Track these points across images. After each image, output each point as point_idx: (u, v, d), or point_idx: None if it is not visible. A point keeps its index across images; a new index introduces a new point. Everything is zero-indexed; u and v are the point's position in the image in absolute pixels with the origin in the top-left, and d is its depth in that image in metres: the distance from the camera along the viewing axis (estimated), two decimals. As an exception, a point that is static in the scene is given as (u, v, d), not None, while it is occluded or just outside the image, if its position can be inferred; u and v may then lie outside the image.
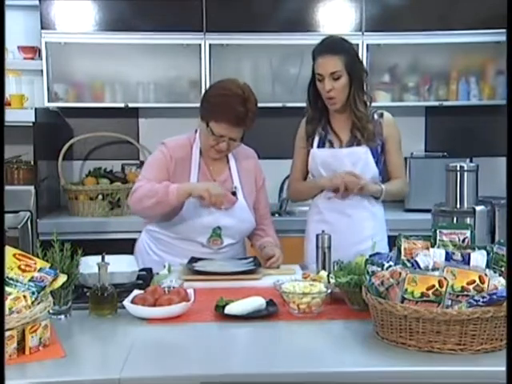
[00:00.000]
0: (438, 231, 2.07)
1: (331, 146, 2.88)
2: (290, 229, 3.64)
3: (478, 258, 1.91)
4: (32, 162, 4.00)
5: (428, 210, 3.23)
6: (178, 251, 2.75)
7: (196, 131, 2.80)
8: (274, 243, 2.81)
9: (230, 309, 2.04)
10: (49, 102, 4.15)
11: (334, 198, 2.84)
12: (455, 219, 3.00)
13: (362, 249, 2.60)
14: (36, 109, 3.95)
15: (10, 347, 1.69)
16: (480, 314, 1.70)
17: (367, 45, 4.14)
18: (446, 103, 4.31)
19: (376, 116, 2.88)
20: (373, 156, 2.85)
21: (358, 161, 2.83)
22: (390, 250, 2.46)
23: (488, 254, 1.93)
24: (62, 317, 2.06)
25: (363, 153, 2.83)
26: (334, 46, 2.79)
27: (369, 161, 2.84)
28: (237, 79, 2.73)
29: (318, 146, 2.88)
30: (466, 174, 3.04)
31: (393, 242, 2.12)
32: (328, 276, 2.23)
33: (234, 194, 2.77)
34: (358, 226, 2.85)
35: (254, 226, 2.85)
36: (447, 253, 1.93)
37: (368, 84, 2.91)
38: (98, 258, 2.16)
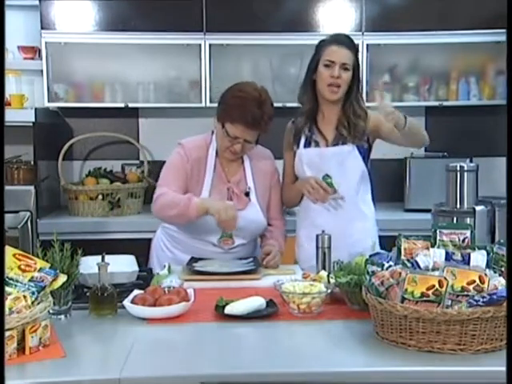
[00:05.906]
0: (438, 231, 2.07)
1: (317, 145, 2.86)
2: (289, 229, 3.63)
3: (478, 257, 1.91)
4: (32, 162, 4.00)
5: (428, 210, 3.23)
6: (191, 249, 2.78)
7: (212, 132, 2.82)
8: (275, 244, 2.79)
9: (230, 309, 2.04)
10: (49, 102, 4.15)
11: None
12: (455, 219, 3.01)
13: (355, 251, 2.55)
14: (36, 109, 3.95)
15: (10, 347, 1.69)
16: (480, 314, 1.70)
17: (367, 45, 4.14)
18: (446, 103, 4.30)
19: None
20: (359, 153, 2.81)
21: (345, 159, 2.81)
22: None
23: (488, 254, 1.93)
24: (62, 317, 2.06)
25: (349, 151, 2.80)
26: (349, 41, 2.82)
27: (356, 158, 2.81)
28: (254, 82, 2.76)
29: (305, 147, 2.86)
30: (466, 173, 3.05)
31: (393, 241, 2.11)
32: (328, 276, 2.23)
33: (247, 194, 2.78)
34: (349, 228, 2.80)
35: (265, 227, 2.86)
36: (447, 253, 1.94)
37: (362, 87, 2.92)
38: (98, 258, 2.16)
